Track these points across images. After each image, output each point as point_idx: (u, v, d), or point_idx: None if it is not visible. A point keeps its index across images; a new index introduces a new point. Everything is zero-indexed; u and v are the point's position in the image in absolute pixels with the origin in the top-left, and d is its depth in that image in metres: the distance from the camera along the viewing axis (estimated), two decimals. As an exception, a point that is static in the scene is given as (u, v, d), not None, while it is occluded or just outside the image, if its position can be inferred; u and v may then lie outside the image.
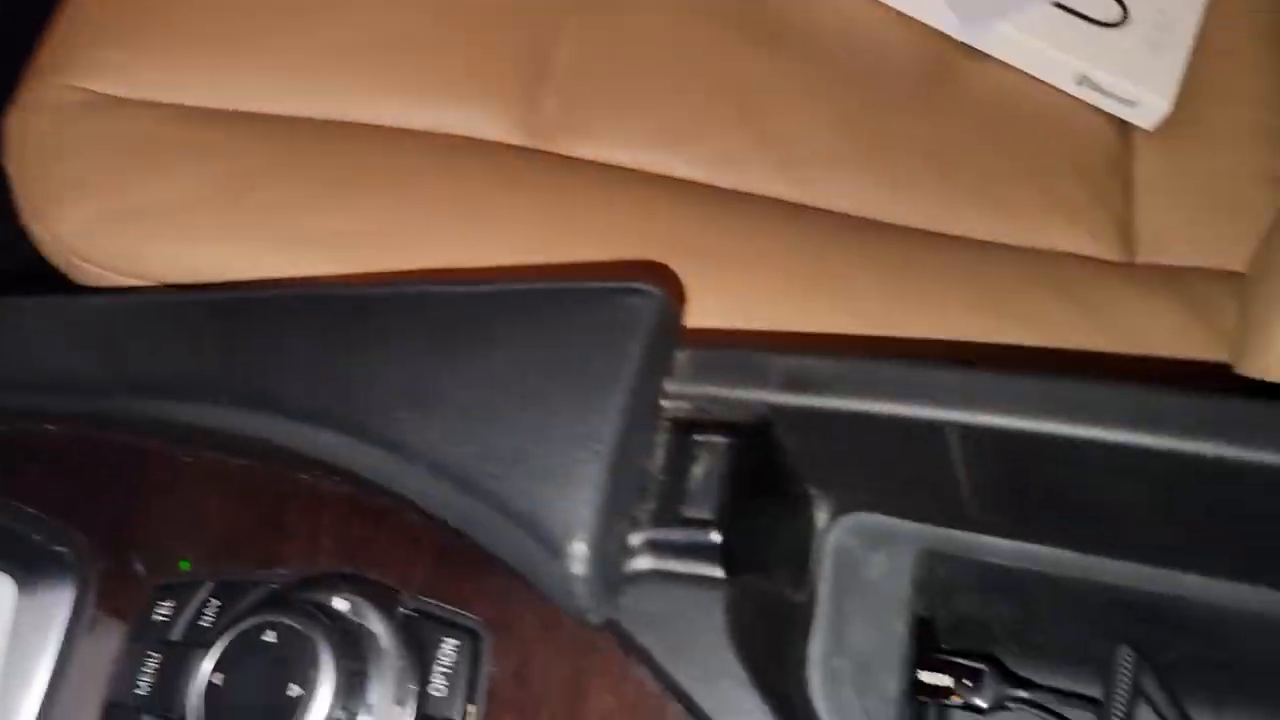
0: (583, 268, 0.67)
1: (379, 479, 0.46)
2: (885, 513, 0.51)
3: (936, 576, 0.52)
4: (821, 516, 0.51)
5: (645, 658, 0.42)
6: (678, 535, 0.43)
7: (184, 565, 0.52)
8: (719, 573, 0.43)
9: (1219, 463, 0.39)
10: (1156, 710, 0.54)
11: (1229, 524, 0.44)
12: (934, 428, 0.41)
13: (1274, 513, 0.42)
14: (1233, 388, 0.63)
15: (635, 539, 0.43)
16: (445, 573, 0.49)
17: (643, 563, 0.43)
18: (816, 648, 0.49)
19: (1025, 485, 0.45)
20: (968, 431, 0.41)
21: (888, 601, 0.50)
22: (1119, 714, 0.51)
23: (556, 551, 0.40)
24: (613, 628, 0.43)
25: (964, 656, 0.55)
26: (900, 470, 0.47)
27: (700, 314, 0.65)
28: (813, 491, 0.51)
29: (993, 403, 0.40)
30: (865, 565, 0.51)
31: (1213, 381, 0.69)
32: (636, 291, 0.45)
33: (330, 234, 0.70)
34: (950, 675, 0.53)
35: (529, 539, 0.41)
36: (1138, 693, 0.52)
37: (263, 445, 0.49)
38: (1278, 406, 0.40)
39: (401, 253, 0.69)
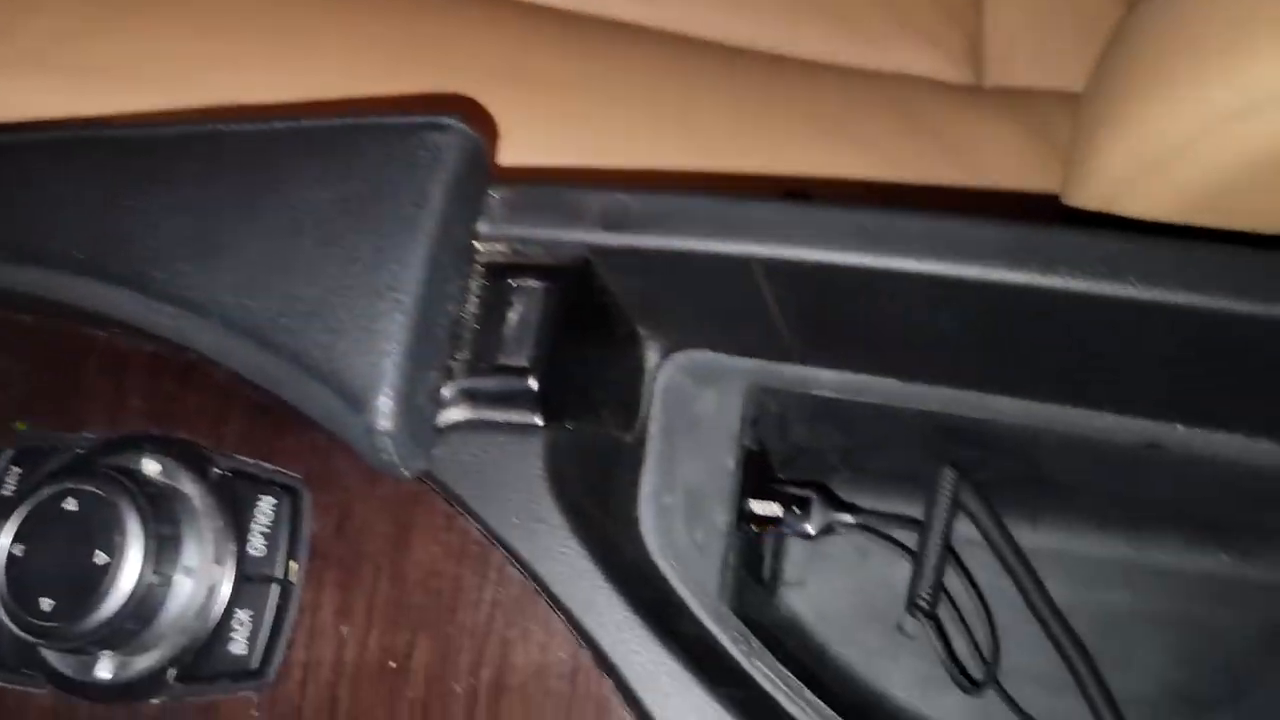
0: (385, 101, 0.62)
1: (172, 336, 0.43)
2: (714, 350, 0.51)
3: (767, 410, 0.53)
4: (651, 356, 0.51)
5: (464, 508, 0.41)
6: (493, 384, 0.41)
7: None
8: (537, 420, 0.42)
9: (1019, 290, 0.39)
10: (976, 523, 0.56)
11: (1037, 348, 0.45)
12: (740, 263, 0.41)
13: (1077, 335, 0.43)
14: (1061, 216, 0.63)
15: (449, 389, 0.42)
16: (260, 429, 0.47)
17: (458, 413, 0.42)
18: (647, 486, 0.49)
19: (839, 317, 0.45)
20: (771, 266, 0.40)
21: (717, 437, 0.51)
22: (939, 530, 0.53)
23: (359, 406, 0.38)
24: (430, 480, 0.42)
25: (796, 486, 0.56)
26: (723, 307, 0.46)
27: (527, 147, 0.62)
28: (641, 331, 0.50)
29: (792, 236, 0.40)
30: (696, 402, 0.51)
31: (1048, 209, 0.70)
32: (439, 127, 0.42)
33: (120, 64, 0.63)
34: (780, 504, 0.54)
35: (330, 394, 0.39)
36: (958, 508, 0.55)
37: (44, 302, 0.45)
38: (1084, 234, 0.40)
39: (198, 84, 0.63)
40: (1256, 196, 0.47)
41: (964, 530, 0.58)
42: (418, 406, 0.39)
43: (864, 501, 0.61)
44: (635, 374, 0.50)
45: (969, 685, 0.53)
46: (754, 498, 0.53)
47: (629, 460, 0.49)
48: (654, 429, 0.50)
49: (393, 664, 0.43)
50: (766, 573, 0.59)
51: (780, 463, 0.59)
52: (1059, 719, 0.57)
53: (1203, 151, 0.46)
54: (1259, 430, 0.48)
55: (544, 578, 0.40)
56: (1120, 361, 0.45)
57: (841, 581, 0.60)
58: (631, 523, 0.49)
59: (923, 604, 0.51)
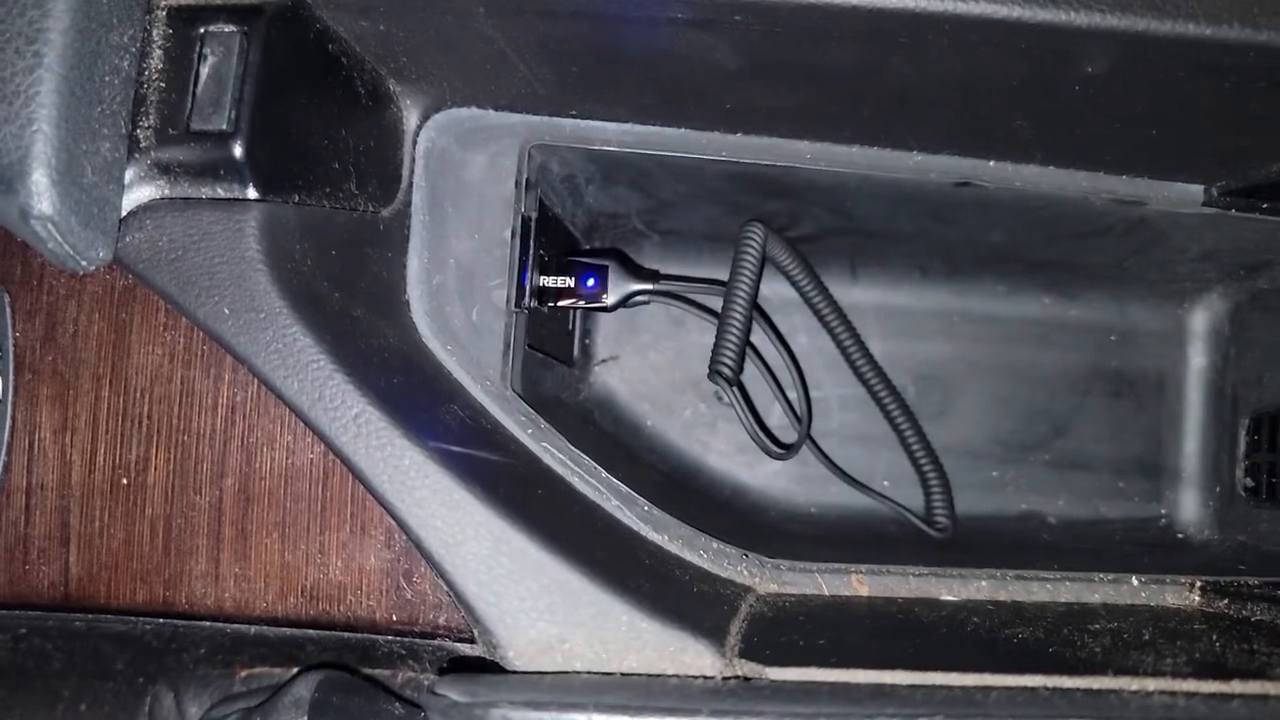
0: None
1: None
2: (481, 106, 0.45)
3: (549, 172, 0.47)
4: (410, 118, 0.44)
5: (170, 300, 0.35)
6: (188, 153, 0.35)
7: None
8: (249, 193, 0.36)
9: (796, 8, 0.34)
10: (786, 275, 0.53)
11: (830, 81, 0.40)
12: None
13: (870, 62, 0.38)
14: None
15: (137, 164, 0.35)
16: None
17: (150, 191, 0.35)
18: (415, 264, 0.44)
19: (599, 58, 0.39)
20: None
21: (491, 205, 0.45)
22: (743, 290, 0.50)
23: (8, 187, 0.32)
24: (124, 269, 0.36)
25: (592, 256, 0.52)
26: (475, 52, 0.40)
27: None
28: (394, 88, 0.43)
29: None
30: (464, 168, 0.45)
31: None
32: None
33: None
34: (573, 277, 0.49)
35: (-27, 176, 0.32)
36: (764, 264, 0.51)
37: None
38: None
39: None
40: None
41: (784, 292, 0.55)
42: (87, 184, 0.33)
43: (677, 268, 0.57)
44: (390, 138, 0.43)
45: (778, 450, 0.51)
46: (544, 272, 0.48)
47: (392, 237, 0.44)
48: (418, 200, 0.44)
49: (125, 480, 0.39)
50: (576, 351, 0.55)
51: (582, 232, 0.54)
52: (880, 474, 0.57)
53: None
54: (1069, 160, 0.45)
55: (264, 372, 0.35)
56: (921, 93, 0.40)
57: (657, 354, 0.57)
58: (400, 306, 0.44)
59: (724, 369, 0.48)
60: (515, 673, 0.33)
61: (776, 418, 0.56)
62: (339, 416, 0.34)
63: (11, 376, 0.40)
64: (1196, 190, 0.46)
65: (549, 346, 0.51)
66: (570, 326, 0.55)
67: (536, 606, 0.33)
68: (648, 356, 0.57)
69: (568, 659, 0.33)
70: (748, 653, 0.34)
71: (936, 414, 0.57)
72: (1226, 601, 0.44)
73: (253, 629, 0.40)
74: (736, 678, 0.33)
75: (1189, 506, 0.55)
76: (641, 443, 0.56)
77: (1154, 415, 0.56)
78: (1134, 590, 0.45)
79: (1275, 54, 0.36)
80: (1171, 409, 0.56)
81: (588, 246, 0.55)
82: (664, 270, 0.56)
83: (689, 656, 0.33)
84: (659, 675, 0.32)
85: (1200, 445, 0.55)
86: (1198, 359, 0.56)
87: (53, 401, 0.39)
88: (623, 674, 0.32)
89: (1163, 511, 0.56)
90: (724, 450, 0.56)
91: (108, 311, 0.39)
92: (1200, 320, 0.56)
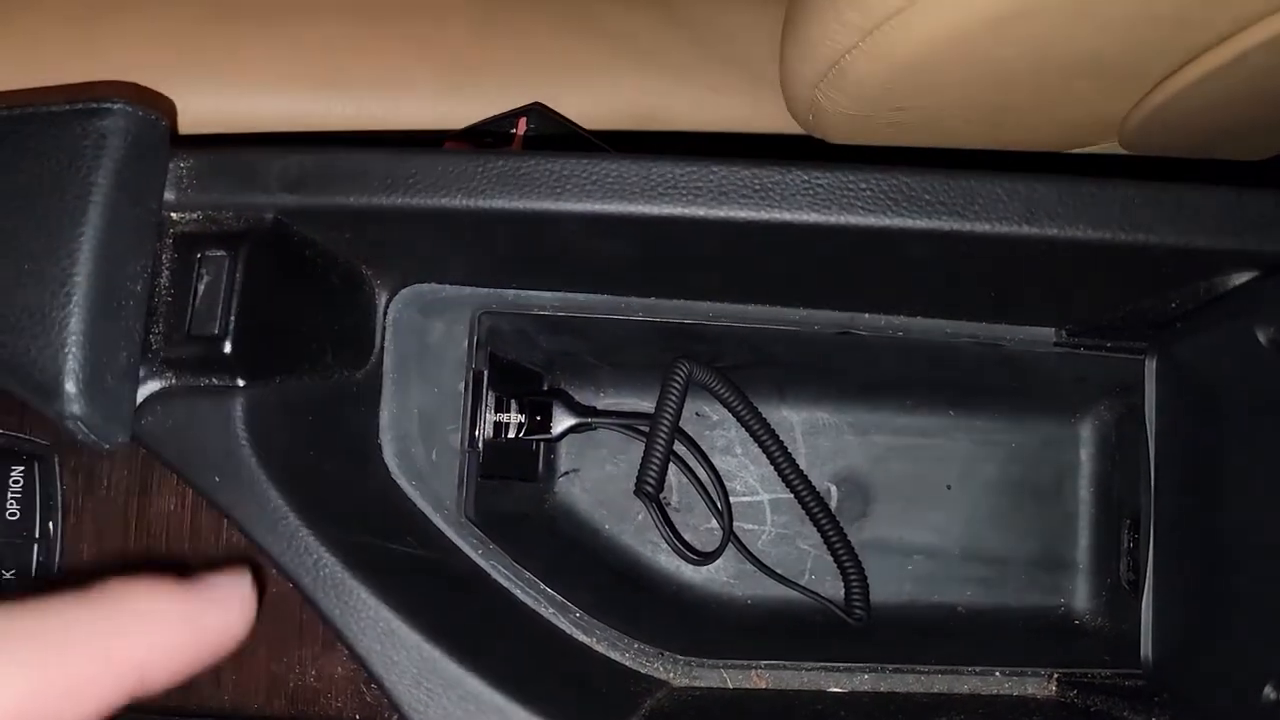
0: (56, 90, 0.62)
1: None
2: (440, 282, 0.54)
3: (499, 331, 0.56)
4: (382, 295, 0.54)
5: (171, 468, 0.45)
6: (189, 352, 0.44)
7: None
8: (238, 382, 0.45)
9: (661, 221, 0.43)
10: (722, 401, 0.61)
11: (709, 263, 0.49)
12: (419, 213, 0.44)
13: (737, 253, 0.47)
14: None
15: (150, 363, 0.45)
16: (12, 401, 0.51)
17: (160, 382, 0.45)
18: (386, 415, 0.53)
19: (529, 249, 0.48)
20: (444, 214, 0.44)
21: (447, 363, 0.54)
22: (666, 418, 0.58)
23: (48, 397, 0.41)
24: (143, 446, 0.45)
25: (539, 395, 0.61)
26: (431, 246, 0.49)
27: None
28: (366, 272, 0.53)
29: (453, 187, 0.43)
30: (426, 333, 0.55)
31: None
32: (101, 113, 0.43)
33: None
34: (523, 414, 0.58)
35: (21, 389, 0.42)
36: (701, 390, 0.59)
37: None
38: (698, 163, 0.43)
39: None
40: (917, 97, 0.49)
41: (724, 412, 0.63)
42: (108, 387, 0.42)
43: (629, 391, 0.65)
44: (364, 314, 0.53)
45: (694, 558, 0.60)
46: (501, 409, 0.57)
47: (365, 394, 0.53)
48: (388, 362, 0.54)
49: (147, 605, 0.48)
50: (541, 467, 0.64)
51: (543, 367, 0.63)
52: (807, 569, 0.64)
53: (855, 62, 0.48)
54: (931, 312, 0.53)
55: (246, 528, 0.44)
56: (788, 269, 0.49)
57: (613, 466, 0.65)
58: (374, 450, 0.53)
59: (647, 487, 0.56)
60: (437, 768, 0.41)
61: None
62: (302, 562, 0.44)
63: (60, 520, 0.50)
64: (1048, 332, 0.53)
65: (512, 469, 0.60)
66: (534, 448, 0.63)
67: (454, 715, 0.42)
68: (605, 469, 0.65)
69: (480, 758, 0.41)
70: (628, 749, 0.42)
71: (858, 515, 0.64)
72: (1076, 692, 0.51)
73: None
74: (618, 770, 0.42)
75: (1083, 597, 0.62)
76: (600, 545, 0.65)
77: (1052, 514, 0.63)
78: (998, 681, 0.52)
79: (1064, 244, 0.44)
80: (1067, 509, 0.63)
81: (548, 380, 0.64)
82: (616, 394, 0.65)
83: (577, 754, 0.41)
84: (552, 772, 0.41)
85: (1091, 542, 0.62)
86: (1089, 465, 0.63)
87: (91, 539, 0.49)
88: (520, 771, 0.41)
89: (1061, 601, 0.62)
90: (671, 551, 0.64)
91: (134, 468, 0.49)
92: (1089, 430, 0.63)
